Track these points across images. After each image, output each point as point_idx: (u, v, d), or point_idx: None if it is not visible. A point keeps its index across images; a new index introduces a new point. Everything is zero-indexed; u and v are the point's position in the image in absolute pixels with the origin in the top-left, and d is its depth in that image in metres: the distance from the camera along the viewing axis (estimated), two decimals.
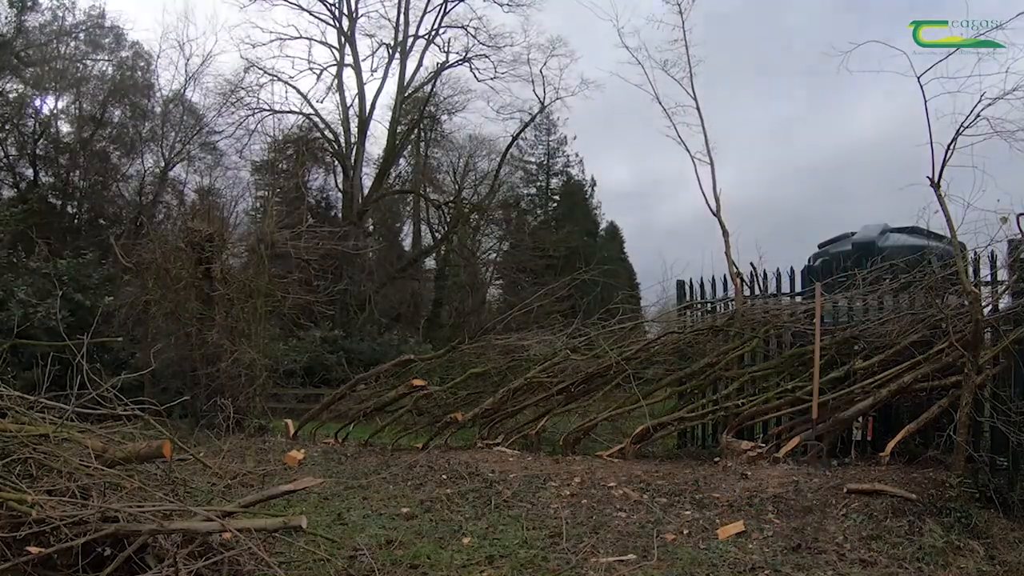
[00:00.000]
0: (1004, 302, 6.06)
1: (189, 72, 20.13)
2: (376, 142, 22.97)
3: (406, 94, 21.93)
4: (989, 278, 6.24)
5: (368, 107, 21.24)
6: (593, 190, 28.48)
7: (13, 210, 15.30)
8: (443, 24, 21.47)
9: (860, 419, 6.22)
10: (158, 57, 20.19)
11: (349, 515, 4.91)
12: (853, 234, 8.13)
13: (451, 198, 24.52)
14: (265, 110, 21.07)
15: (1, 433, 3.52)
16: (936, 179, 5.21)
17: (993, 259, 6.15)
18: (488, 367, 8.40)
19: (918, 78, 5.18)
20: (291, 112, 21.68)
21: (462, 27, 21.41)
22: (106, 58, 19.12)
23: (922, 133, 5.20)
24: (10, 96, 17.42)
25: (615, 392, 7.75)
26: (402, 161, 25.76)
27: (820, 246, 8.76)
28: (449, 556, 4.11)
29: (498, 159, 24.09)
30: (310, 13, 20.91)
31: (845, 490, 4.95)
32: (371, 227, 23.81)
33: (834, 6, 35.20)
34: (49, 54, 18.01)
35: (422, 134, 25.33)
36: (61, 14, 18.27)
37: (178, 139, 19.71)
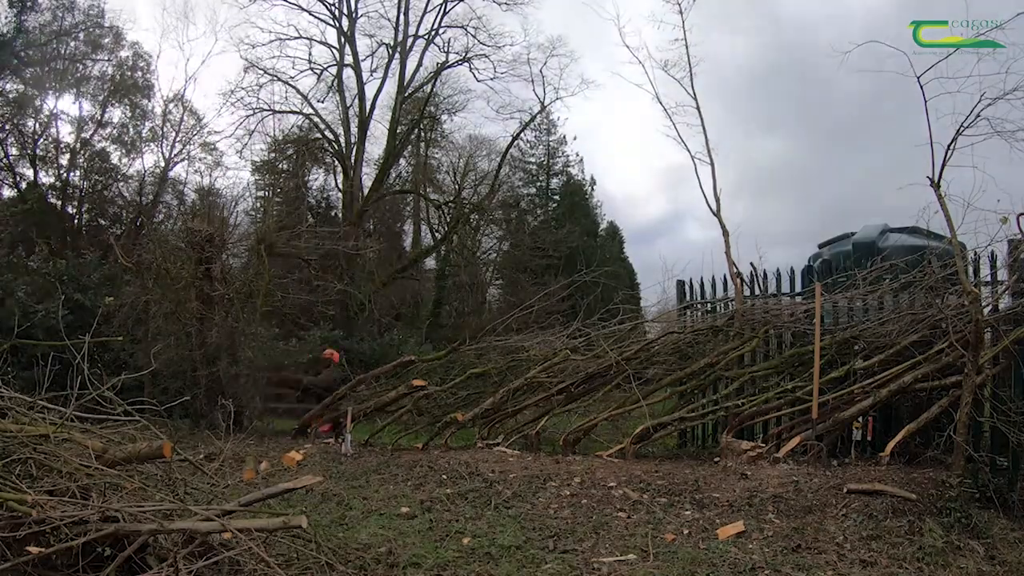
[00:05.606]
0: (1004, 302, 6.06)
1: (189, 72, 20.18)
2: (376, 142, 22.93)
3: (406, 94, 21.87)
4: (989, 278, 6.24)
5: (368, 107, 21.19)
6: (593, 190, 28.54)
7: (13, 210, 15.28)
8: (443, 24, 21.44)
9: (860, 419, 6.21)
10: (158, 57, 20.21)
11: (349, 515, 4.91)
12: (853, 234, 8.14)
13: (451, 198, 24.49)
14: (265, 110, 21.06)
15: (1, 433, 3.52)
16: (936, 179, 5.21)
17: (993, 259, 6.16)
18: (488, 367, 8.41)
19: (918, 78, 5.19)
20: (291, 112, 21.66)
21: (462, 27, 21.37)
22: (106, 58, 19.10)
23: (921, 132, 5.22)
24: (10, 96, 17.41)
25: (615, 392, 7.76)
26: (402, 161, 25.73)
27: (820, 246, 8.78)
28: (449, 556, 4.11)
29: (498, 159, 24.09)
30: (310, 13, 20.87)
31: (845, 490, 4.95)
32: (371, 227, 23.78)
33: None
34: (49, 54, 17.98)
35: (422, 134, 25.31)
36: (61, 14, 18.26)
37: (178, 139, 19.74)
